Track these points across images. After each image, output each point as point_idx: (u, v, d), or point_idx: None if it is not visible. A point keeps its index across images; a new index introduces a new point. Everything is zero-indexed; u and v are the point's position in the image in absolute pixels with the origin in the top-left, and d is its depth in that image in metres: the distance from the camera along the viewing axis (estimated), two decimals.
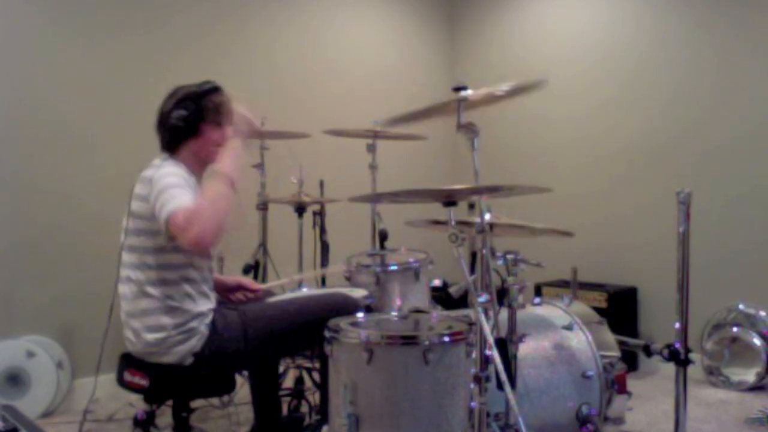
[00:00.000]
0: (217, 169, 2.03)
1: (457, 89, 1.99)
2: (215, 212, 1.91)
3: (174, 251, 2.03)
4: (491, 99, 2.12)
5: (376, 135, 3.18)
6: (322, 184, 3.36)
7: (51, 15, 3.33)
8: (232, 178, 2.01)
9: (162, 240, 2.01)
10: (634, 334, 3.89)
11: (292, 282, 2.76)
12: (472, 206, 2.22)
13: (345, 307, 2.25)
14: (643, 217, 3.95)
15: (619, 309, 3.81)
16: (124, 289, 2.11)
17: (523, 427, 1.76)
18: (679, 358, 2.14)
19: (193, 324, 2.06)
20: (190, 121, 2.14)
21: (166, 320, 2.03)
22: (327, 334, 1.89)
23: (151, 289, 2.04)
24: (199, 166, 2.20)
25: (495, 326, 1.92)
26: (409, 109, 2.16)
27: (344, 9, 4.46)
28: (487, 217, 1.89)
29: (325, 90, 4.30)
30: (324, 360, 2.07)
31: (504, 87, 1.99)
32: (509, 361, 1.98)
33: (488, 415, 1.87)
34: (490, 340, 1.76)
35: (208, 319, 2.10)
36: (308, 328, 2.19)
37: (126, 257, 2.10)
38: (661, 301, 3.84)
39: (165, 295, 2.04)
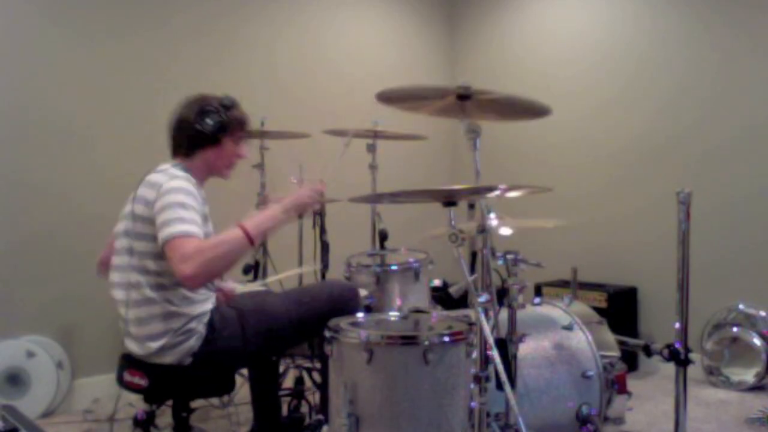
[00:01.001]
0: (245, 222, 1.98)
1: (460, 89, 1.99)
2: (217, 257, 1.89)
3: None
4: (493, 112, 2.13)
5: (376, 135, 3.18)
6: None
7: (51, 15, 3.33)
8: (251, 234, 1.96)
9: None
10: (634, 334, 3.89)
11: (266, 285, 2.72)
12: (472, 206, 2.22)
13: (344, 298, 2.25)
14: (643, 217, 3.95)
15: (619, 309, 3.80)
16: (121, 294, 2.08)
17: (523, 427, 1.76)
18: (679, 358, 2.14)
19: (192, 325, 2.06)
20: (216, 130, 2.15)
21: (167, 325, 2.03)
22: (327, 334, 1.89)
23: (151, 294, 2.03)
24: (205, 176, 2.21)
25: (495, 326, 1.92)
26: (408, 110, 2.16)
27: (344, 9, 4.46)
28: (493, 219, 1.90)
29: (325, 90, 4.30)
30: (324, 360, 2.07)
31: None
32: (509, 361, 1.98)
33: (488, 415, 1.87)
34: (490, 340, 1.76)
35: (206, 319, 2.09)
36: (308, 324, 2.19)
37: (125, 260, 2.08)
38: (661, 301, 3.84)
39: (164, 299, 2.03)
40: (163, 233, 1.91)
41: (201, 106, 2.16)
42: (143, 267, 2.04)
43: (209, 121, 2.15)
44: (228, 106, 2.19)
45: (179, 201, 1.96)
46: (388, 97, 2.06)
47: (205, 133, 2.15)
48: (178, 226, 1.91)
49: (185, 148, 2.17)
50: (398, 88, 2.02)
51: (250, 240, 1.96)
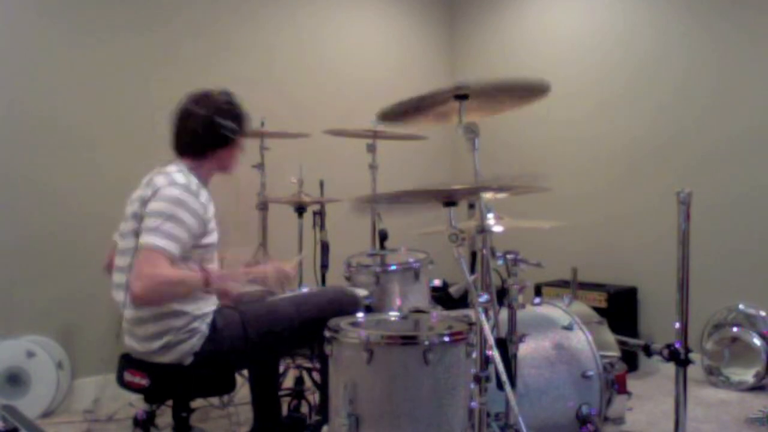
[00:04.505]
0: (213, 275, 2.04)
1: (458, 89, 1.99)
2: (169, 291, 1.96)
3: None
4: (493, 104, 2.13)
5: (376, 135, 3.19)
6: (322, 184, 3.36)
7: (51, 15, 3.33)
8: (212, 285, 2.03)
9: None
10: (634, 334, 3.89)
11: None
12: (472, 206, 2.22)
13: (345, 303, 2.26)
14: (643, 217, 3.95)
15: (619, 309, 3.80)
16: (123, 295, 2.08)
17: (523, 427, 1.76)
18: (679, 358, 2.14)
19: (195, 324, 2.06)
20: (238, 131, 2.18)
21: (170, 324, 2.03)
22: (327, 334, 1.89)
23: None
24: (213, 174, 2.23)
25: (495, 326, 1.92)
26: (408, 110, 2.16)
27: (344, 9, 4.45)
28: (491, 219, 1.90)
29: (324, 90, 4.30)
30: (324, 360, 2.07)
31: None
32: (509, 361, 1.98)
33: (488, 415, 1.87)
34: (490, 340, 1.76)
35: (209, 319, 2.10)
36: (308, 327, 2.19)
37: (129, 261, 2.07)
38: (661, 301, 3.84)
39: None
40: (142, 238, 1.95)
41: (217, 105, 2.15)
42: None
43: (233, 123, 2.16)
44: (237, 103, 2.20)
45: (170, 212, 1.97)
46: (387, 115, 2.09)
47: (227, 135, 2.15)
48: (156, 239, 1.93)
49: (200, 147, 2.15)
50: (396, 105, 2.04)
51: (207, 288, 2.03)
